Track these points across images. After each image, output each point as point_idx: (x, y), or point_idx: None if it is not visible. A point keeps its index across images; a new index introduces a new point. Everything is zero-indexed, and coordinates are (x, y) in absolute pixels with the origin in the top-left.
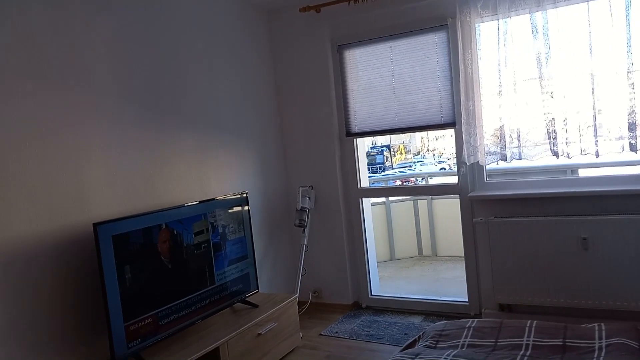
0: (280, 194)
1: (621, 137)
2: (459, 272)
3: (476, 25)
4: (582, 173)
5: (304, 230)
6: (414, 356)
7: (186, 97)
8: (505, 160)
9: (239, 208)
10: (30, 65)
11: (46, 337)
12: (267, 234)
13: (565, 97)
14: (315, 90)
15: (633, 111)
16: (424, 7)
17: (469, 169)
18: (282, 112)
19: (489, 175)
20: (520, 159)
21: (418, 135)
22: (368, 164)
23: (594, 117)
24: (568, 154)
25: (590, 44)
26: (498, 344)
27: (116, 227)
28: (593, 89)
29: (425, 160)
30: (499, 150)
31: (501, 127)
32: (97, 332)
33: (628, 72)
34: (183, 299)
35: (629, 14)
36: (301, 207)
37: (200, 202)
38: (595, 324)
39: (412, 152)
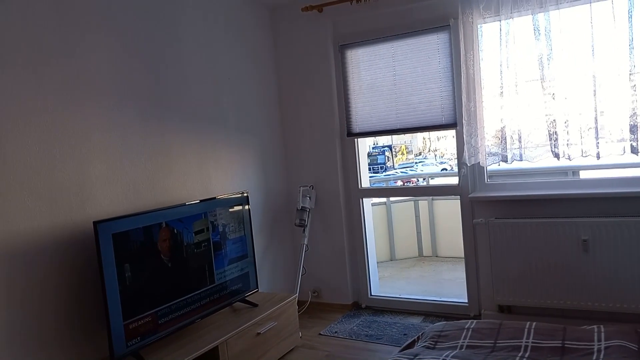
0: (281, 193)
1: (622, 139)
2: (459, 273)
3: (478, 26)
4: (583, 175)
5: (304, 229)
6: (412, 357)
7: (188, 95)
8: (506, 161)
9: (240, 207)
10: (32, 64)
11: (45, 334)
12: (267, 233)
13: (566, 99)
14: (317, 89)
15: (634, 113)
16: (427, 8)
17: (469, 170)
18: (283, 111)
19: (490, 177)
20: (521, 160)
21: (420, 135)
22: (370, 164)
23: (596, 119)
24: (569, 156)
25: (592, 46)
26: (497, 345)
27: (116, 225)
28: (595, 90)
29: (426, 161)
30: (499, 152)
31: (502, 129)
32: (96, 330)
33: (630, 74)
34: (183, 297)
35: (631, 15)
36: (302, 206)
37: (200, 201)
38: (595, 326)
39: (413, 153)
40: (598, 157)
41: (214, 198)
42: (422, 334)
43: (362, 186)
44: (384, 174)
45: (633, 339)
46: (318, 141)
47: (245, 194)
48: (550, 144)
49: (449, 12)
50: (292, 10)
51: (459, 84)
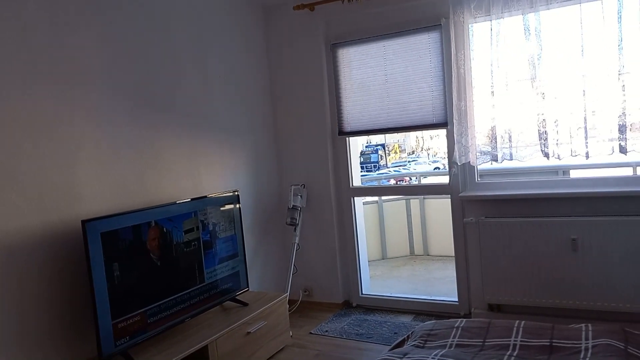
0: (272, 192)
1: (611, 139)
2: (450, 272)
3: (469, 25)
4: (574, 174)
5: (295, 228)
6: (402, 356)
7: (179, 93)
8: (496, 160)
9: (230, 206)
10: (21, 60)
11: (32, 333)
12: (258, 232)
13: (556, 99)
14: (309, 88)
15: (623, 113)
16: (418, 7)
17: (460, 169)
18: (275, 110)
19: (481, 176)
20: (511, 159)
21: (413, 134)
22: (363, 163)
23: (585, 118)
24: (558, 155)
25: (582, 46)
26: (486, 344)
27: (105, 224)
28: (584, 90)
29: (419, 160)
30: (490, 151)
31: (493, 128)
32: (86, 329)
33: (619, 74)
34: (172, 296)
35: (620, 16)
36: (293, 205)
37: (190, 199)
38: (583, 325)
39: (406, 152)
40: (587, 156)
41: (204, 197)
42: (412, 333)
43: (354, 185)
44: (377, 172)
45: (620, 338)
46: (309, 140)
47: (236, 193)
48: (540, 144)
49: (440, 12)
50: (284, 9)
51: (449, 83)
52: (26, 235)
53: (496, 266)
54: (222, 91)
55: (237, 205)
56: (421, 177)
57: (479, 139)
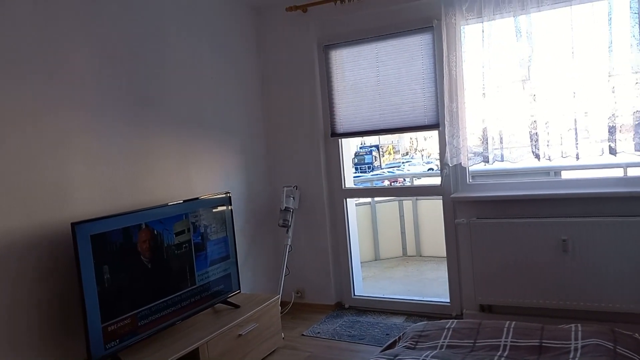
0: (264, 194)
1: (601, 140)
2: (442, 273)
3: (461, 27)
4: (565, 175)
5: (287, 230)
6: (393, 357)
7: (170, 95)
8: (487, 161)
9: (222, 208)
10: (10, 60)
11: (21, 336)
12: (250, 234)
13: (547, 100)
14: (301, 89)
15: (613, 115)
16: (410, 9)
17: (452, 170)
18: (267, 111)
19: (473, 177)
20: (503, 161)
21: (407, 135)
22: (357, 164)
23: (575, 120)
24: (549, 157)
25: (572, 48)
26: (476, 344)
27: (95, 226)
28: (575, 92)
29: (413, 161)
30: (481, 152)
31: (484, 129)
32: (76, 332)
33: (609, 76)
34: (163, 299)
35: (611, 18)
36: (285, 207)
37: (181, 201)
38: (572, 325)
39: (400, 153)
40: (577, 158)
41: (196, 199)
42: (403, 334)
43: (346, 186)
44: (371, 173)
45: (609, 338)
46: (302, 141)
47: (227, 195)
48: (531, 145)
49: (432, 14)
50: (277, 11)
51: (441, 84)
52: (15, 237)
53: (487, 267)
54: (214, 92)
55: (229, 207)
56: (414, 179)
57: (470, 140)
